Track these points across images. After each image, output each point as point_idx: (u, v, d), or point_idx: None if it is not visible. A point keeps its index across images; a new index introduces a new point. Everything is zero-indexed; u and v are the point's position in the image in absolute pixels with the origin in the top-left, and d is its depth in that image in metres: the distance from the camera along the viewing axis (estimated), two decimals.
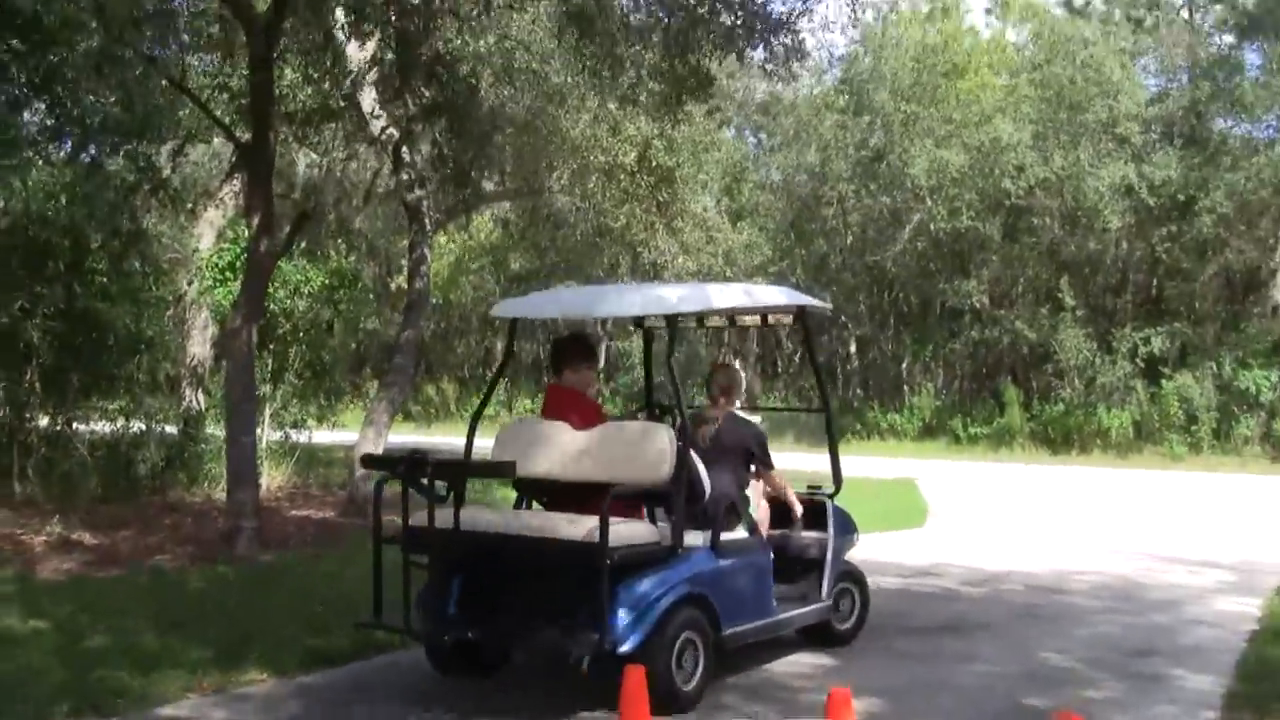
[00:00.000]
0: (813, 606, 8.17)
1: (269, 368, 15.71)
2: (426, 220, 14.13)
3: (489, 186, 16.04)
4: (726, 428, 8.11)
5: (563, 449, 7.32)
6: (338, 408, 16.94)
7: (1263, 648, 8.66)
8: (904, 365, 33.35)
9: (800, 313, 8.86)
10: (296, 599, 9.53)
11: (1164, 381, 27.68)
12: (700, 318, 8.96)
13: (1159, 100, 29.64)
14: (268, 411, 15.84)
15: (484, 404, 8.32)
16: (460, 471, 7.03)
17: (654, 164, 16.20)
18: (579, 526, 6.63)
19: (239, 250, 15.21)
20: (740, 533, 7.70)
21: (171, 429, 15.65)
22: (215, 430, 15.41)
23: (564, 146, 15.98)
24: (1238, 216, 28.10)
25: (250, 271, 11.33)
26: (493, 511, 7.98)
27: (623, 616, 6.56)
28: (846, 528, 8.60)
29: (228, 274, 15.41)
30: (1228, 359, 27.63)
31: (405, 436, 23.93)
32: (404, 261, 17.71)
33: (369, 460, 8.19)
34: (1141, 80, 29.86)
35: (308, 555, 11.43)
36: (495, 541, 6.86)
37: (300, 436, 16.44)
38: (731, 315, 9.08)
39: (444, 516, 6.64)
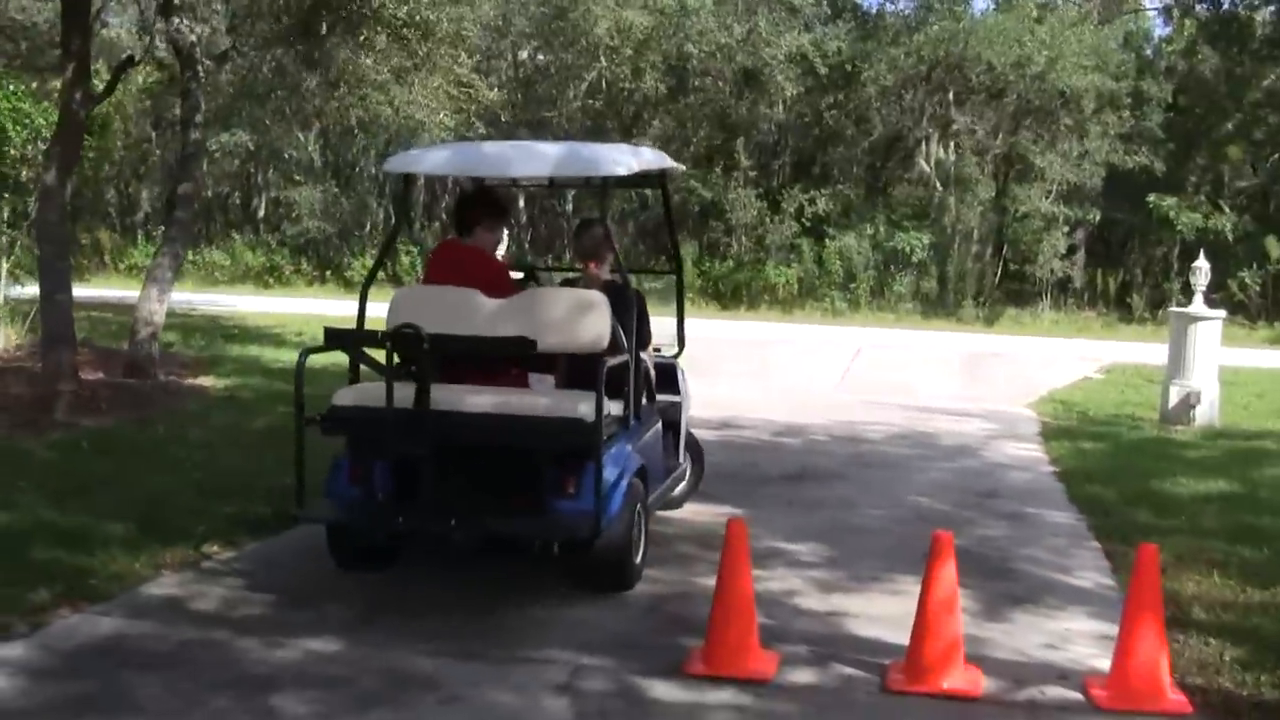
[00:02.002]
0: (678, 471, 8.10)
1: (2, 217, 14.52)
2: (199, 65, 13.31)
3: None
4: (611, 293, 7.24)
5: (481, 319, 6.53)
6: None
7: (1082, 487, 9.86)
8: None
9: (663, 175, 8.41)
10: (166, 465, 9.17)
11: (828, 241, 29.63)
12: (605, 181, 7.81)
13: None
14: (4, 265, 14.67)
15: (376, 269, 7.72)
16: (462, 347, 6.26)
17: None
18: (563, 401, 6.22)
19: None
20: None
21: None
22: None
23: None
24: (893, 88, 30.15)
25: (64, 122, 10.45)
26: (441, 389, 6.55)
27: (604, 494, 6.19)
28: (688, 391, 8.44)
29: None
30: (881, 221, 29.91)
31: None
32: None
33: (337, 335, 6.50)
34: None
35: (130, 420, 10.87)
36: (470, 422, 6.10)
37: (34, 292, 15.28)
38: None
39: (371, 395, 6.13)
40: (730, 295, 30.14)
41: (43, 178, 10.48)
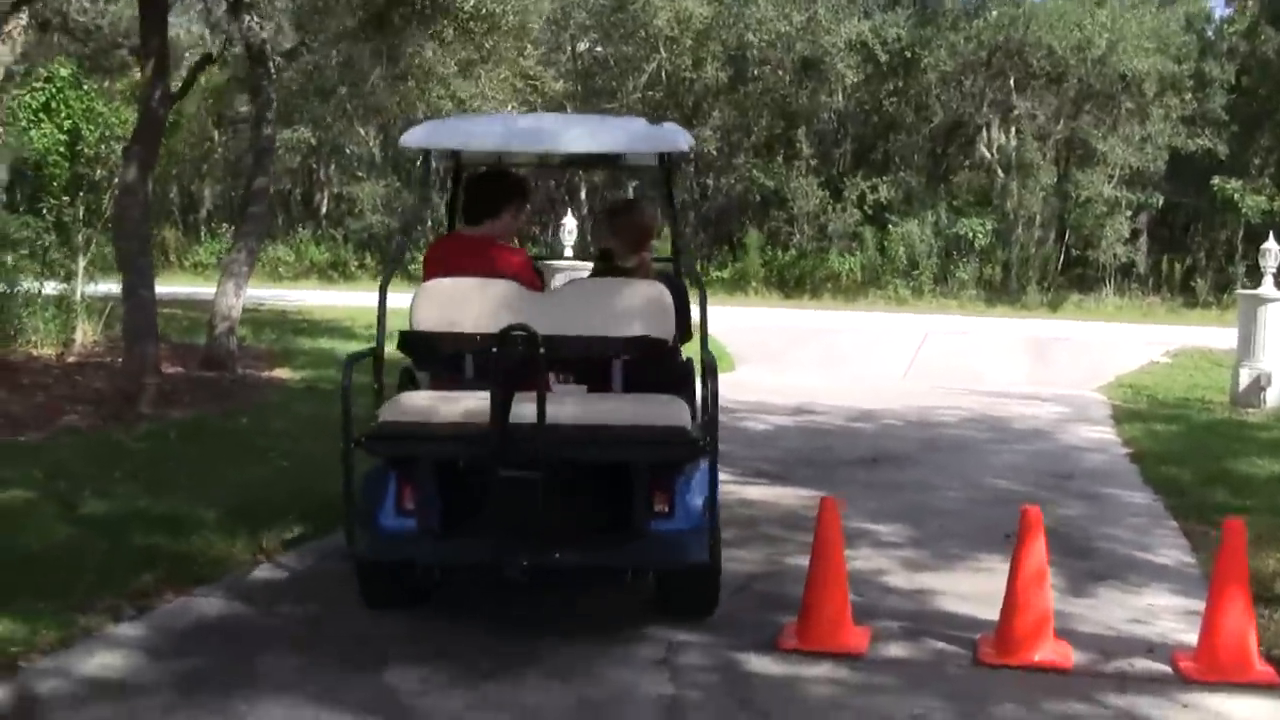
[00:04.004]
0: None
1: (79, 215, 14.84)
2: (270, 62, 13.57)
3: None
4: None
5: (530, 316, 5.48)
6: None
7: (1156, 469, 9.89)
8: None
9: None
10: (253, 456, 9.38)
11: (890, 228, 29.58)
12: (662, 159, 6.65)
13: None
14: (81, 263, 15.00)
15: (393, 266, 6.55)
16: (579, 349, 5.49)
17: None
18: (652, 407, 5.44)
19: (55, 89, 14.19)
20: None
21: None
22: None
23: None
24: (954, 74, 30.03)
25: (144, 121, 10.70)
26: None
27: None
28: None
29: (41, 115, 14.34)
30: (943, 207, 29.82)
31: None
32: None
33: (420, 339, 5.62)
34: None
35: (213, 412, 11.13)
36: (570, 436, 5.22)
37: (107, 289, 15.61)
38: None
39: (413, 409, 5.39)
40: (794, 284, 30.18)
41: (123, 175, 10.72)
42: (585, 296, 5.92)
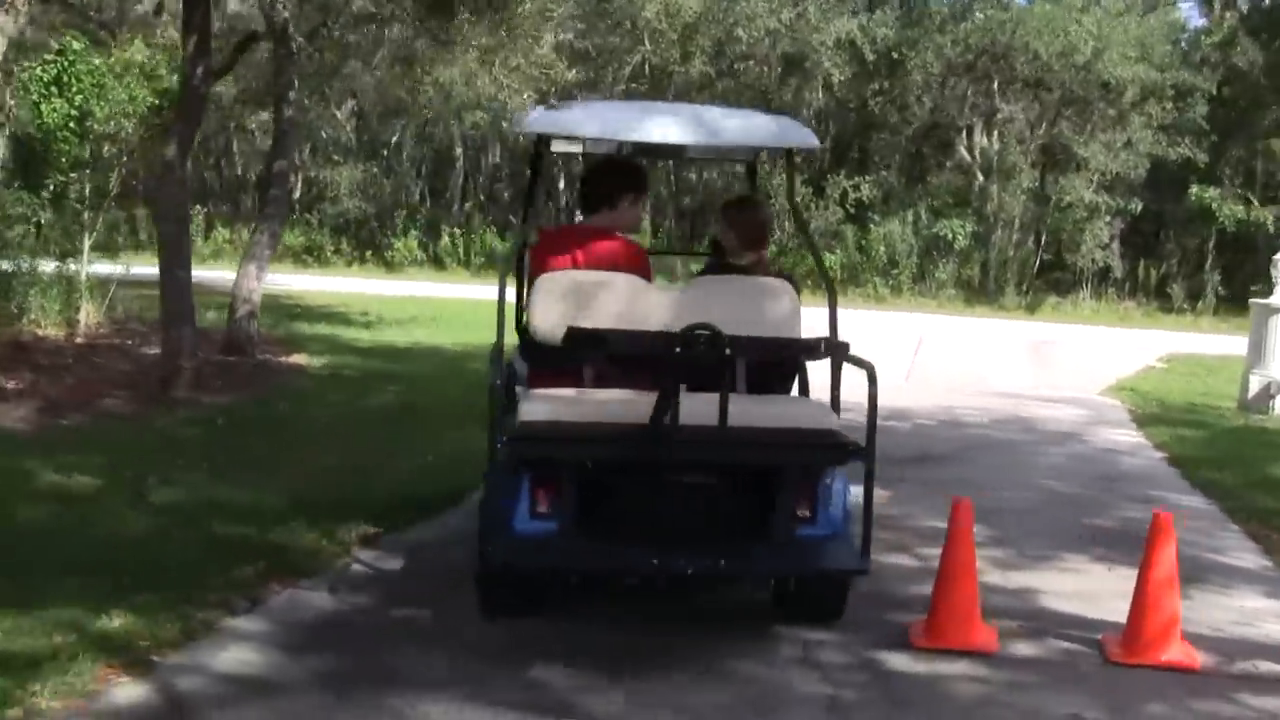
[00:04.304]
0: None
1: (86, 191, 14.58)
2: (292, 43, 13.38)
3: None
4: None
5: (657, 313, 5.61)
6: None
7: (1198, 472, 9.97)
8: None
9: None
10: (306, 443, 9.29)
11: (871, 227, 29.72)
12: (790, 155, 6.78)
13: None
14: (87, 242, 14.75)
15: (521, 253, 6.70)
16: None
17: None
18: (796, 409, 5.50)
19: (67, 63, 13.91)
20: None
21: None
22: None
23: None
24: (938, 76, 30.21)
25: (185, 97, 10.52)
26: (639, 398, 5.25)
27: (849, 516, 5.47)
28: None
29: (52, 90, 14.04)
30: (923, 207, 30.01)
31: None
32: None
33: (591, 339, 5.16)
34: None
35: (248, 398, 10.99)
36: (723, 438, 5.01)
37: (114, 270, 15.37)
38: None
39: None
40: None
41: (162, 153, 10.54)
42: (717, 294, 5.81)
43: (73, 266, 14.70)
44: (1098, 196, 28.67)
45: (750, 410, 5.19)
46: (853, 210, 30.30)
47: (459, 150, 33.78)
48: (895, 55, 29.74)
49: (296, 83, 13.54)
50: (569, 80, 19.08)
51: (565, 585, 5.88)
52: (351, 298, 21.92)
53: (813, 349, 5.30)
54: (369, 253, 32.26)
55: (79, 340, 13.63)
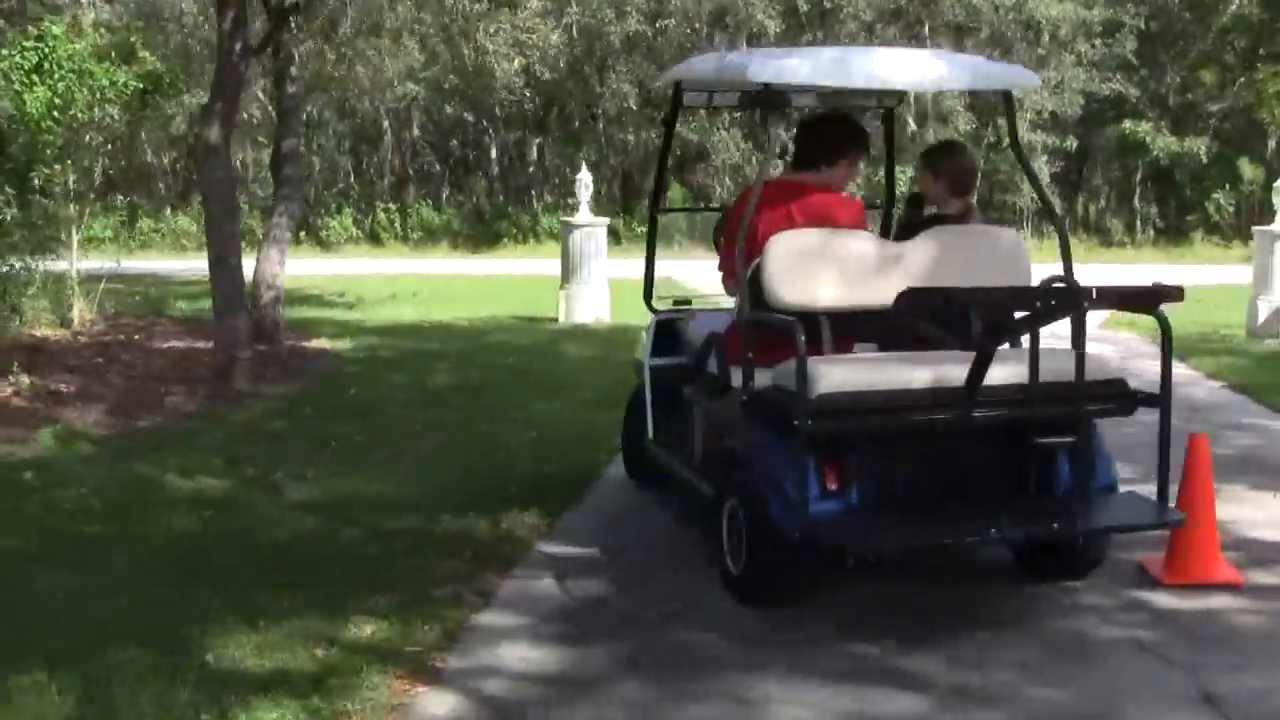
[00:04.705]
0: None
1: (70, 182, 14.01)
2: (291, 19, 12.91)
3: None
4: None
5: (897, 268, 5.44)
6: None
7: (1269, 398, 10.15)
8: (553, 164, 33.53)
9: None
10: (404, 428, 9.01)
11: None
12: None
13: None
14: (76, 236, 14.19)
15: (654, 232, 7.01)
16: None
17: None
18: (1095, 363, 5.25)
19: (48, 49, 13.29)
20: None
21: None
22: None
23: None
24: (871, 24, 30.25)
25: (224, 74, 10.08)
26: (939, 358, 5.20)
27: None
28: None
29: (34, 78, 13.39)
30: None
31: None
32: None
33: (920, 295, 4.92)
34: None
35: (310, 386, 10.67)
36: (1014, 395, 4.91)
37: (104, 264, 14.82)
38: None
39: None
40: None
41: (204, 136, 10.11)
42: (953, 246, 5.65)
43: (61, 264, 14.15)
44: (1034, 135, 29.00)
45: (1043, 365, 5.02)
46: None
47: (386, 124, 33.04)
48: (827, 4, 29.72)
49: (296, 57, 13.08)
50: (555, 45, 18.78)
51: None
52: (306, 280, 21.33)
53: (1167, 293, 4.88)
54: (303, 233, 31.49)
55: (84, 340, 13.12)
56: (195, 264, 25.67)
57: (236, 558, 5.99)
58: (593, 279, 16.05)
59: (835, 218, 5.69)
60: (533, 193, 33.17)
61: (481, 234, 31.59)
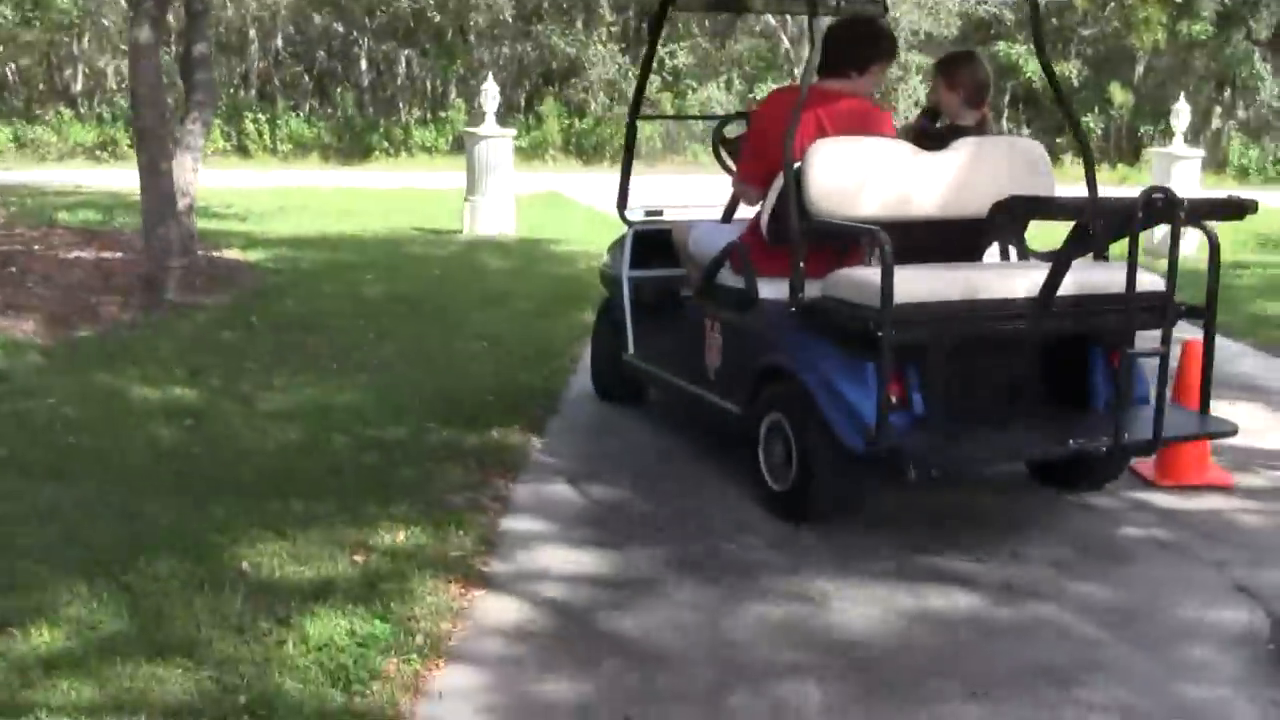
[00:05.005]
0: None
1: None
2: None
3: None
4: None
5: (930, 178, 5.34)
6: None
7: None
8: (421, 78, 32.93)
9: None
10: (342, 336, 8.87)
11: (690, 94, 29.79)
12: None
13: None
14: None
15: (632, 140, 7.18)
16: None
17: None
18: (1106, 274, 5.13)
19: None
20: None
21: None
22: None
23: None
24: None
25: None
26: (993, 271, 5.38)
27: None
28: None
29: None
30: (735, 73, 30.22)
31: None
32: None
33: (1032, 202, 5.04)
34: None
35: (245, 297, 10.37)
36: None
37: None
38: None
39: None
40: (593, 151, 30.09)
41: (132, 35, 9.67)
42: (980, 157, 5.49)
43: None
44: (911, 55, 29.33)
45: (1092, 277, 5.05)
46: (671, 79, 30.26)
47: (252, 32, 31.96)
48: None
49: None
50: None
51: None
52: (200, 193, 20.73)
53: (1247, 205, 4.88)
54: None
55: None
56: (59, 174, 24.93)
57: (233, 468, 5.83)
58: (499, 191, 15.87)
59: (869, 127, 5.50)
60: (401, 106, 32.49)
61: (352, 147, 30.92)
